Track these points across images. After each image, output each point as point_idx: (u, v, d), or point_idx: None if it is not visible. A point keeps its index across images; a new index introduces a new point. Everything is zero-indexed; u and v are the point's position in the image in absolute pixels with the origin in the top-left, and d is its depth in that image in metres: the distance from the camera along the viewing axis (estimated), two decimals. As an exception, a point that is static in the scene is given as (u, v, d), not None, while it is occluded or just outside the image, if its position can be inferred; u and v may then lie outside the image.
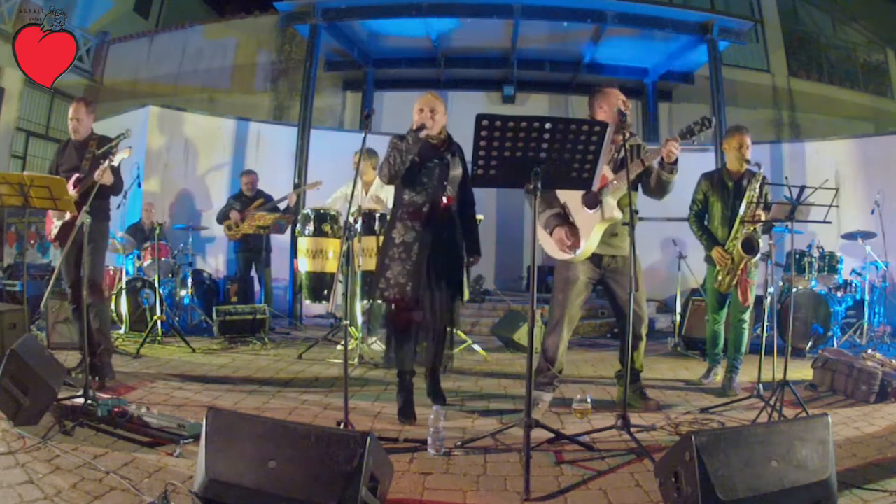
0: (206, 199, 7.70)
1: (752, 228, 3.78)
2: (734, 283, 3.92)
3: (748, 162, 3.92)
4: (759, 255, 3.83)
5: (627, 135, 3.37)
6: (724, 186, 4.04)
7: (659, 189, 3.39)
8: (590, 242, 3.33)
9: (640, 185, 3.50)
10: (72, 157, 3.91)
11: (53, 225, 3.97)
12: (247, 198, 6.53)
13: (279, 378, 4.21)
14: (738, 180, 4.00)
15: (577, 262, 3.43)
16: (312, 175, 6.99)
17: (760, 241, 3.83)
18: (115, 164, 3.76)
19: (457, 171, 3.38)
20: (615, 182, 3.25)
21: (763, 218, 3.76)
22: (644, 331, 3.56)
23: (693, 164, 3.27)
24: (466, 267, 3.52)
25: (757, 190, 3.76)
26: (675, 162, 3.23)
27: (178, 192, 7.60)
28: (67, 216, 3.82)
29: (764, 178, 3.83)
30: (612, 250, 3.41)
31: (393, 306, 3.30)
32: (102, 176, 3.60)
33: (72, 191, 3.70)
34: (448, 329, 3.50)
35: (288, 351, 5.23)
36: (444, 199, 3.30)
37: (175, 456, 2.56)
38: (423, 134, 3.20)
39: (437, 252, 3.28)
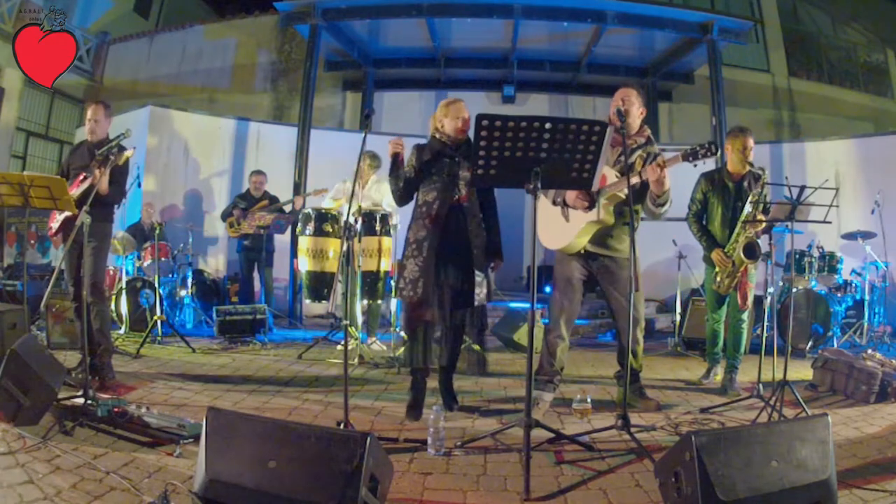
0: (206, 199, 7.70)
1: (752, 232, 3.76)
2: (734, 285, 3.92)
3: (751, 164, 3.91)
4: (760, 258, 3.82)
5: (643, 140, 3.39)
6: (725, 187, 4.02)
7: (647, 215, 3.44)
8: (577, 238, 3.37)
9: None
10: (83, 157, 3.95)
11: (55, 220, 3.98)
12: (253, 198, 6.54)
13: (279, 378, 4.21)
14: (738, 182, 3.98)
15: (570, 259, 3.48)
16: (312, 175, 7.00)
17: (760, 243, 3.83)
18: (120, 163, 3.80)
19: (468, 172, 3.36)
20: (611, 188, 3.25)
21: (763, 220, 3.75)
22: (641, 334, 3.57)
23: (693, 167, 3.26)
24: (488, 270, 3.48)
25: (759, 193, 3.75)
26: (663, 195, 3.22)
27: (177, 191, 7.60)
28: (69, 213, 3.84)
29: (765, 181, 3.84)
30: (608, 251, 3.43)
31: (407, 304, 3.37)
32: (100, 181, 3.61)
33: (75, 189, 3.72)
34: (461, 330, 3.51)
35: (288, 351, 5.23)
36: (457, 199, 3.34)
37: (175, 456, 2.56)
38: (400, 160, 3.40)
39: (448, 250, 3.31)
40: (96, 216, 3.68)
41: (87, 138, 4.04)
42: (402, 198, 3.45)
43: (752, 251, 3.77)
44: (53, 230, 4.00)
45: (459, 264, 3.35)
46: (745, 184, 3.94)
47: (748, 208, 3.77)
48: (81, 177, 3.82)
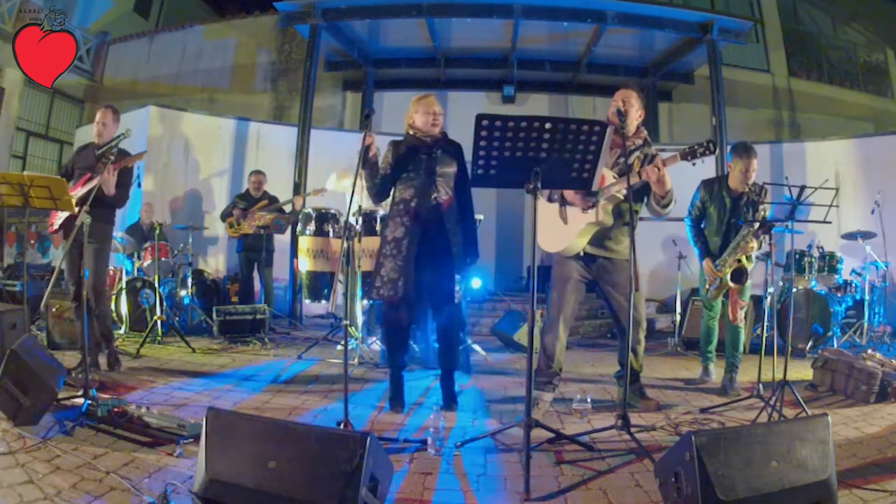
0: (206, 199, 7.70)
1: (743, 256, 3.83)
2: (720, 297, 4.02)
3: (749, 188, 3.95)
4: (758, 258, 3.88)
5: (640, 142, 3.39)
6: (722, 201, 4.05)
7: (652, 214, 3.45)
8: (578, 239, 3.37)
9: (646, 198, 3.51)
10: (89, 159, 4.00)
11: (56, 217, 4.02)
12: (252, 198, 6.54)
13: (279, 378, 4.21)
14: (736, 198, 4.02)
15: (569, 261, 3.47)
16: (312, 175, 7.00)
17: (750, 271, 3.90)
18: (130, 165, 3.92)
19: (448, 168, 3.37)
20: (611, 189, 3.25)
21: (755, 246, 3.81)
22: (642, 335, 3.57)
23: (692, 167, 3.26)
24: (467, 267, 3.51)
25: (755, 226, 3.75)
26: (667, 195, 3.24)
27: (177, 191, 7.60)
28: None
29: (764, 191, 3.90)
30: (606, 252, 3.43)
31: (385, 303, 3.36)
32: (108, 181, 3.70)
33: (79, 189, 3.75)
34: (453, 330, 3.49)
35: (288, 351, 5.23)
36: (435, 197, 3.32)
37: (175, 456, 2.56)
38: (371, 154, 3.30)
39: (427, 249, 3.29)
40: (98, 217, 3.78)
41: (94, 140, 4.10)
42: (377, 195, 3.44)
43: (739, 277, 3.87)
44: (54, 227, 4.03)
45: (438, 262, 3.33)
46: (743, 201, 3.98)
47: (738, 240, 3.82)
48: (87, 177, 3.84)
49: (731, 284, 3.87)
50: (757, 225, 3.73)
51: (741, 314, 4.00)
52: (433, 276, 3.32)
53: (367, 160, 3.32)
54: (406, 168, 3.34)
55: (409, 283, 3.25)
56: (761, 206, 3.89)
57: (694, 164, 3.08)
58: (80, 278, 3.56)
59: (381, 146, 3.48)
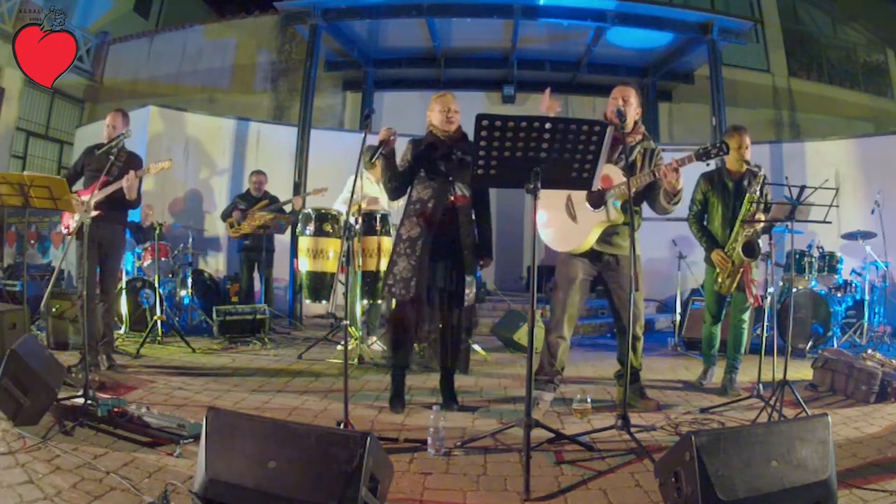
0: (206, 200, 7.71)
1: (752, 231, 3.77)
2: (735, 285, 3.92)
3: (747, 162, 3.92)
4: (760, 258, 3.83)
5: (640, 137, 3.40)
6: (725, 187, 4.02)
7: (658, 211, 3.47)
8: (588, 239, 3.38)
9: (648, 197, 3.51)
10: (101, 160, 4.04)
11: (73, 219, 4.09)
12: (253, 198, 6.54)
13: (279, 378, 4.21)
14: (738, 181, 3.98)
15: (575, 260, 3.47)
16: (312, 175, 7.00)
17: (760, 242, 3.83)
18: (153, 173, 4.14)
19: (468, 169, 3.34)
20: (622, 187, 3.25)
21: (762, 219, 3.75)
22: (640, 330, 3.58)
23: (693, 164, 3.30)
24: (477, 268, 3.50)
25: (757, 191, 3.75)
26: (678, 193, 3.29)
27: (178, 192, 7.60)
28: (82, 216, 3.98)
29: (765, 178, 3.83)
30: (612, 248, 3.43)
31: (395, 302, 3.35)
32: (130, 187, 3.91)
33: (97, 192, 3.82)
34: (459, 331, 3.47)
35: (288, 351, 5.23)
36: (452, 198, 3.31)
37: (175, 456, 2.56)
38: (387, 150, 3.28)
39: (440, 250, 3.29)
40: (117, 219, 4.08)
41: (103, 142, 4.15)
42: (394, 190, 3.44)
43: (751, 250, 3.78)
44: (71, 228, 4.09)
45: (450, 264, 3.33)
46: (745, 182, 3.93)
47: (743, 208, 3.78)
48: (104, 180, 3.86)
49: (744, 258, 3.78)
50: (757, 189, 3.71)
51: (757, 294, 3.93)
52: (445, 276, 3.32)
53: (378, 152, 3.28)
54: (425, 167, 3.34)
55: (421, 283, 3.25)
56: (758, 181, 3.80)
57: (708, 165, 3.20)
58: (87, 276, 3.60)
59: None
